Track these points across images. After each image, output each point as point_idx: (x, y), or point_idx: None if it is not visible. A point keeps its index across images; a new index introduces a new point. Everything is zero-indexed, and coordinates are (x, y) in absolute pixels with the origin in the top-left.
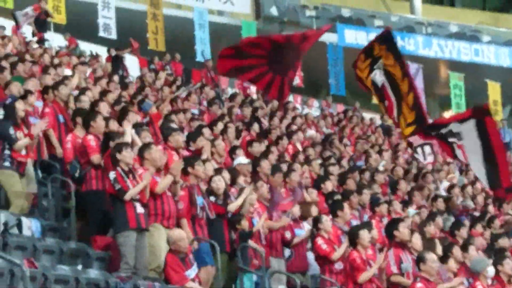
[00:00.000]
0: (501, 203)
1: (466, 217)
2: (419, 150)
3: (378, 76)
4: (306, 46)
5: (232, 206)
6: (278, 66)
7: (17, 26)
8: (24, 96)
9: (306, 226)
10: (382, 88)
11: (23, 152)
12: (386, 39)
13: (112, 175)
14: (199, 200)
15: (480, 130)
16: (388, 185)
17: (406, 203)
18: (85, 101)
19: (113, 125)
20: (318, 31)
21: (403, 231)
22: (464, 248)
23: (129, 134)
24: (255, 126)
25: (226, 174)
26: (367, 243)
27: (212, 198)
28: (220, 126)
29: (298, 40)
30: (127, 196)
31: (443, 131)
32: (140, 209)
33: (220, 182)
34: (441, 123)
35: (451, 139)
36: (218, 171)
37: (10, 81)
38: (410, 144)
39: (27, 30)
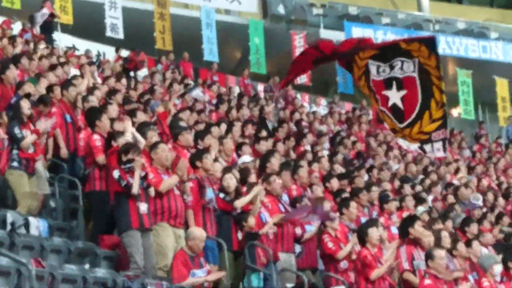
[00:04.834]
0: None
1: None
2: (428, 146)
3: (397, 69)
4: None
5: (239, 203)
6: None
7: (30, 28)
8: (28, 95)
9: (317, 221)
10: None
11: (31, 150)
12: (429, 44)
13: (116, 173)
14: (210, 192)
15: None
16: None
17: (418, 201)
18: (93, 101)
19: (118, 126)
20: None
21: (418, 228)
22: (468, 244)
23: (129, 131)
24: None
25: (236, 173)
26: (376, 241)
27: (221, 195)
28: (224, 126)
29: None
30: (134, 190)
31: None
32: (143, 209)
33: (231, 180)
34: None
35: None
36: (228, 169)
37: (24, 81)
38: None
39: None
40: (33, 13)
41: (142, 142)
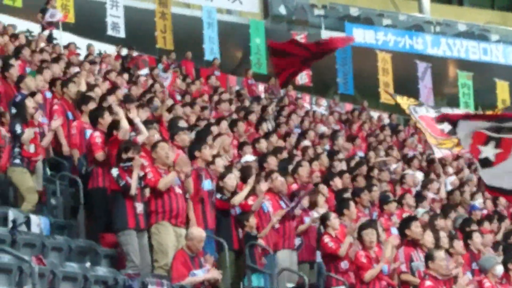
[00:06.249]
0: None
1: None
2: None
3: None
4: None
5: (236, 199)
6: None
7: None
8: (33, 94)
9: (315, 215)
10: None
11: (32, 149)
12: None
13: (115, 171)
14: (207, 183)
15: None
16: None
17: (417, 198)
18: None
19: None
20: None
21: (415, 229)
22: (469, 236)
23: (124, 118)
24: (263, 125)
25: (236, 173)
26: (368, 243)
27: (218, 195)
28: (225, 124)
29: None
30: (132, 191)
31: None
32: (140, 209)
33: (230, 180)
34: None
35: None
36: (228, 169)
37: (24, 75)
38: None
39: (35, 29)
40: (46, 7)
41: (144, 133)
